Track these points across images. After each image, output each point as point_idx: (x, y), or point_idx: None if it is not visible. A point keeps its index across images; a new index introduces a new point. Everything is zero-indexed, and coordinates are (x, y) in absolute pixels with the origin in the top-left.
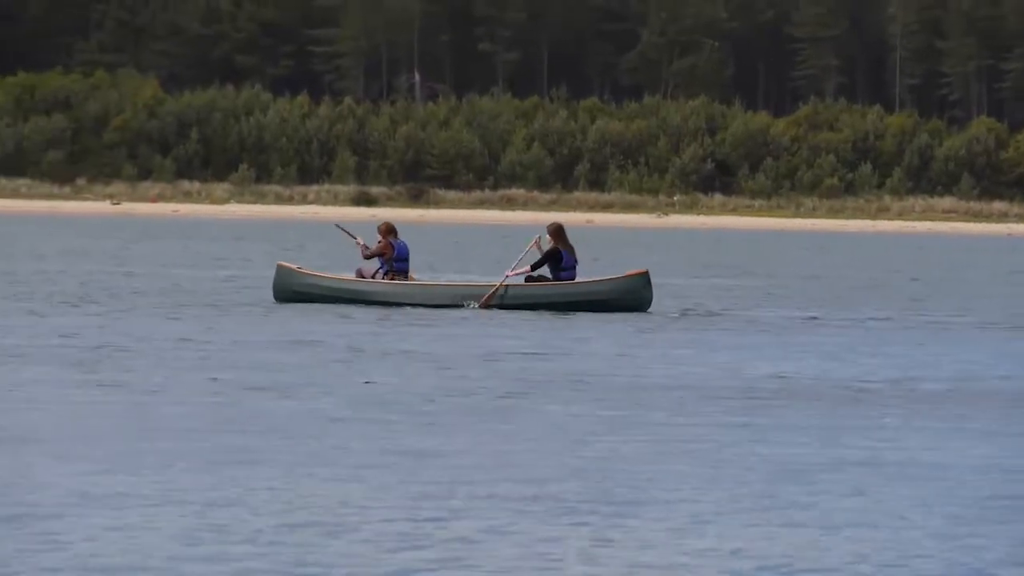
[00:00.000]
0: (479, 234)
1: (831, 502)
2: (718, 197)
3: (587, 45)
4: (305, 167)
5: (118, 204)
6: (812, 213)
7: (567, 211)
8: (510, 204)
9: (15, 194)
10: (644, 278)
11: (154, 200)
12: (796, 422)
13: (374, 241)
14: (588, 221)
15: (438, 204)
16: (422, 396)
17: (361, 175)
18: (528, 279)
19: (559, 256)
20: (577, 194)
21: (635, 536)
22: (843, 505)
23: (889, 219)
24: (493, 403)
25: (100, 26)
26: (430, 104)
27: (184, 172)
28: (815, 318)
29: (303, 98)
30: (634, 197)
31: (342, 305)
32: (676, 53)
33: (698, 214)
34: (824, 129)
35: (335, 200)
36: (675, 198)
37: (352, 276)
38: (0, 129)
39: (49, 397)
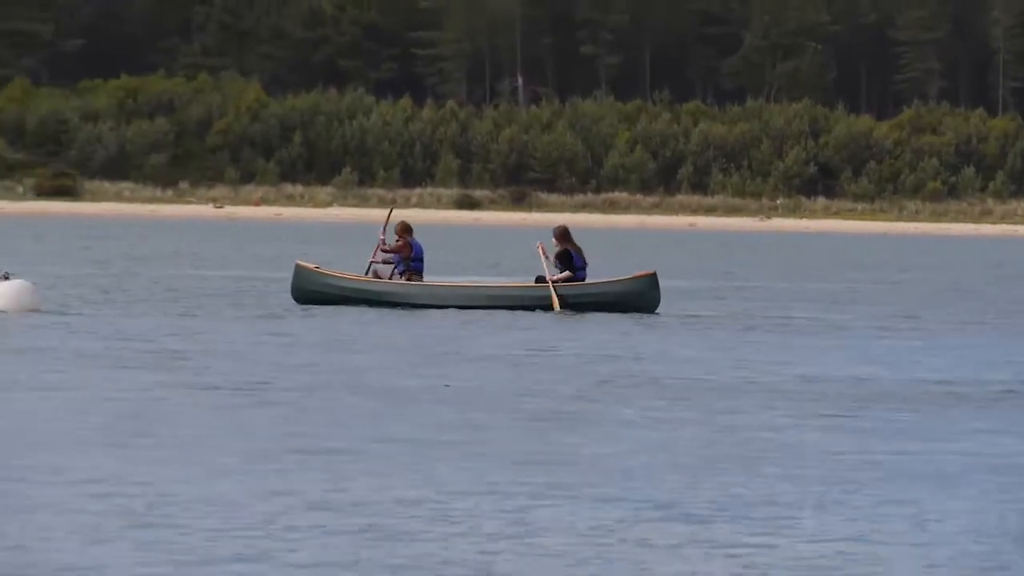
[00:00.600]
0: (580, 238)
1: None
2: (821, 200)
3: (689, 48)
4: (408, 170)
5: (221, 208)
6: (915, 217)
7: (669, 214)
8: (613, 207)
9: (118, 197)
10: (652, 279)
11: (257, 204)
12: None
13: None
14: (691, 224)
15: (540, 207)
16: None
17: (464, 178)
18: (538, 280)
19: (570, 257)
20: (680, 197)
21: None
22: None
23: (992, 223)
24: (595, 406)
25: (203, 29)
26: (533, 107)
27: (287, 175)
28: (909, 319)
29: (406, 101)
30: (737, 200)
31: (365, 307)
32: (779, 56)
33: (800, 217)
34: (927, 132)
35: (438, 203)
36: (778, 201)
37: (368, 277)
38: (103, 132)
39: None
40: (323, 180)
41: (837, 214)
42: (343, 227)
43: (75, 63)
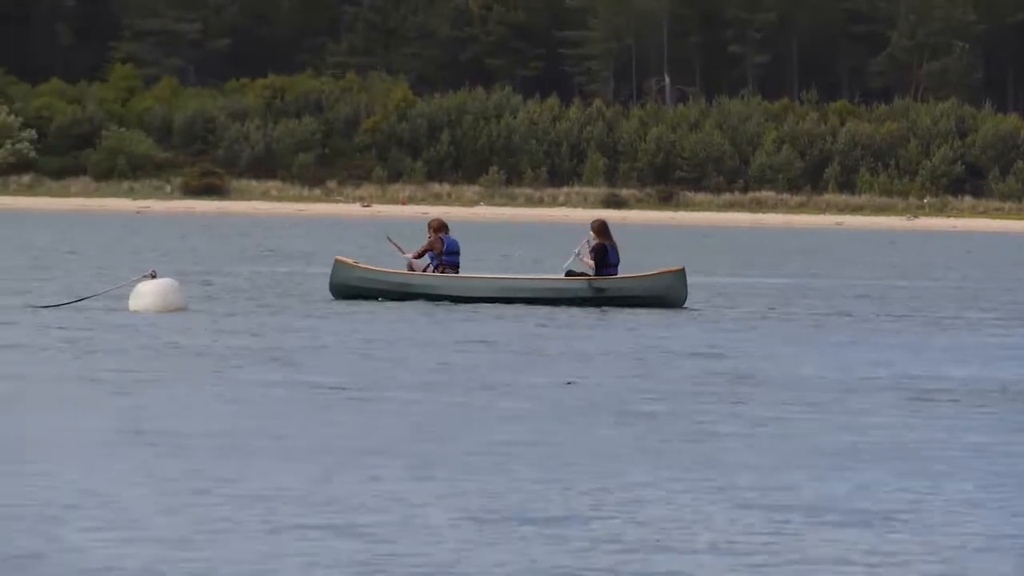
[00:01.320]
0: (728, 237)
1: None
2: (968, 200)
3: (837, 47)
4: (555, 169)
5: (368, 206)
6: None
7: (816, 213)
8: (760, 206)
9: (265, 196)
10: (680, 275)
11: (404, 202)
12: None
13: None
14: (838, 224)
15: (687, 206)
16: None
17: (611, 177)
18: (568, 274)
19: (605, 252)
20: (827, 196)
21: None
22: None
23: None
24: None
25: (351, 29)
26: (680, 106)
27: (434, 174)
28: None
29: (553, 100)
30: (884, 199)
31: (408, 300)
32: (926, 55)
33: (948, 216)
34: None
35: (585, 202)
36: (925, 200)
37: (405, 270)
38: (251, 132)
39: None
40: (470, 179)
41: (984, 213)
42: (489, 226)
43: (223, 62)
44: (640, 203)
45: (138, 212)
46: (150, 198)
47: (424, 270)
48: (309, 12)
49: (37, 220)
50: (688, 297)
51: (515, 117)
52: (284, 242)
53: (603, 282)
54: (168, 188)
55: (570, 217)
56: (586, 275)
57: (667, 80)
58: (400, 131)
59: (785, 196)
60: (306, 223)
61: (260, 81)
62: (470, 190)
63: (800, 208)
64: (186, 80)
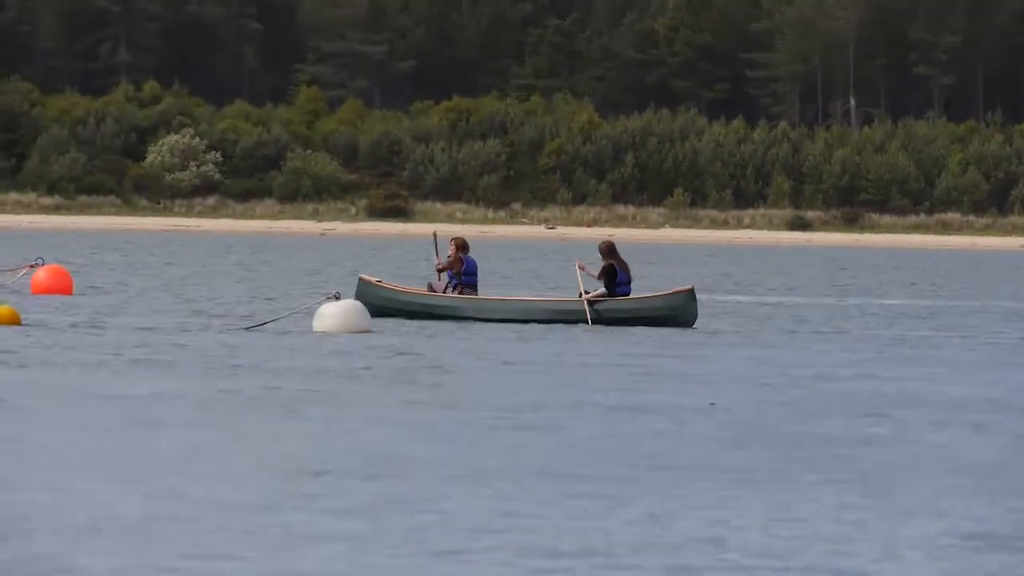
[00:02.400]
0: (912, 259)
1: None
2: None
3: (1022, 68)
4: (740, 191)
5: (553, 228)
6: None
7: (1002, 235)
8: (945, 228)
9: (450, 218)
10: (690, 295)
11: (589, 225)
12: None
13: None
14: (1023, 246)
15: (873, 229)
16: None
17: (796, 199)
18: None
19: (614, 272)
20: (1013, 218)
21: None
22: None
23: None
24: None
25: (536, 51)
26: (865, 128)
27: (619, 196)
28: None
29: (738, 122)
30: None
31: (431, 321)
32: None
33: None
34: None
35: (770, 224)
36: None
37: (424, 291)
38: (436, 154)
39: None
40: (655, 201)
41: None
42: (674, 248)
43: (407, 84)
44: (825, 225)
45: (322, 234)
46: (335, 220)
47: (443, 290)
48: (494, 34)
49: (223, 242)
50: (698, 316)
51: (700, 139)
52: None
53: (616, 303)
54: (353, 210)
55: (755, 240)
56: (601, 296)
57: (852, 102)
58: (585, 153)
59: (971, 218)
60: (492, 245)
61: (445, 103)
62: (655, 212)
63: (986, 230)
64: (371, 102)
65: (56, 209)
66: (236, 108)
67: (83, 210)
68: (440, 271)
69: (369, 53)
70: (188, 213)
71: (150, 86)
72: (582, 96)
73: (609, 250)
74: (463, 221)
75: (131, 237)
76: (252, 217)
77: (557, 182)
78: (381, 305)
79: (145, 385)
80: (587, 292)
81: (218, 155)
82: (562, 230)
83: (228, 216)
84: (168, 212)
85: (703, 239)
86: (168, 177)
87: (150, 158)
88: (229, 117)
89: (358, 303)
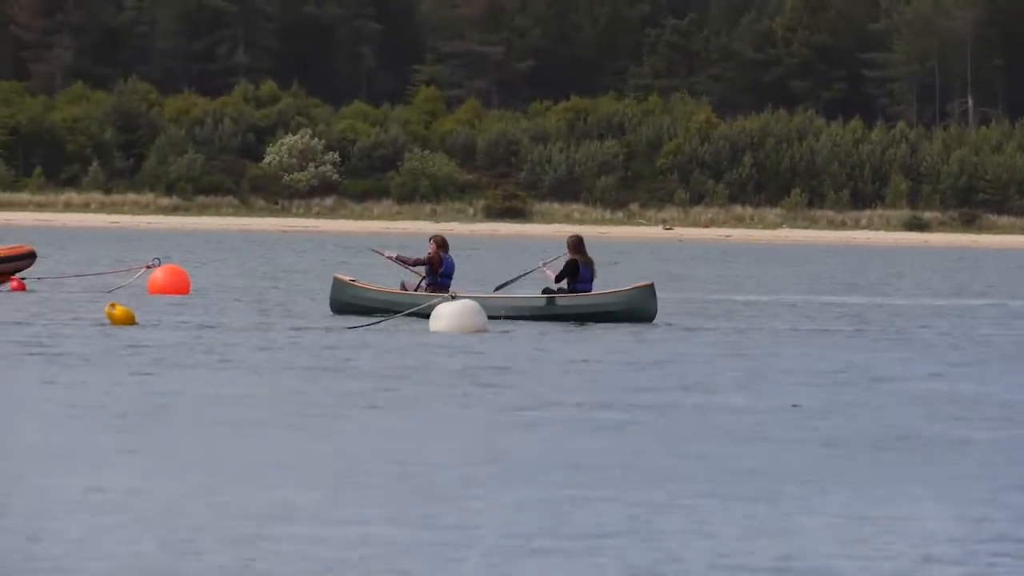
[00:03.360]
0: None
1: None
2: None
3: None
4: (857, 192)
5: (670, 229)
6: None
7: None
8: None
9: (567, 219)
10: (650, 290)
11: (706, 225)
12: None
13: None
14: None
15: (990, 229)
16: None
17: (913, 200)
18: (545, 291)
19: (577, 268)
20: None
21: None
22: None
23: None
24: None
25: (653, 51)
26: (983, 128)
27: (736, 197)
28: None
29: (856, 122)
30: None
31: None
32: None
33: None
34: None
35: (887, 225)
36: None
37: (397, 289)
38: (553, 154)
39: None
40: (772, 201)
41: None
42: (791, 249)
43: (525, 84)
44: (943, 226)
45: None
46: (452, 220)
47: (416, 288)
48: (612, 35)
49: (338, 243)
50: (658, 312)
51: (817, 139)
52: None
53: (578, 298)
54: (471, 211)
55: (872, 240)
56: (562, 292)
57: (970, 102)
58: (702, 153)
59: None
60: (609, 245)
61: (563, 103)
62: (772, 212)
63: None
64: (488, 102)
65: (174, 210)
66: (354, 108)
67: (201, 211)
68: (415, 263)
69: (487, 53)
70: (306, 214)
71: (268, 86)
72: (700, 96)
73: (575, 246)
74: (580, 222)
75: (249, 237)
76: (370, 218)
77: (674, 182)
78: (353, 303)
79: (260, 386)
80: (551, 289)
81: (336, 155)
82: (679, 231)
83: (346, 217)
84: (286, 213)
85: (820, 239)
86: (286, 178)
87: (268, 158)
88: (347, 117)
89: (474, 303)
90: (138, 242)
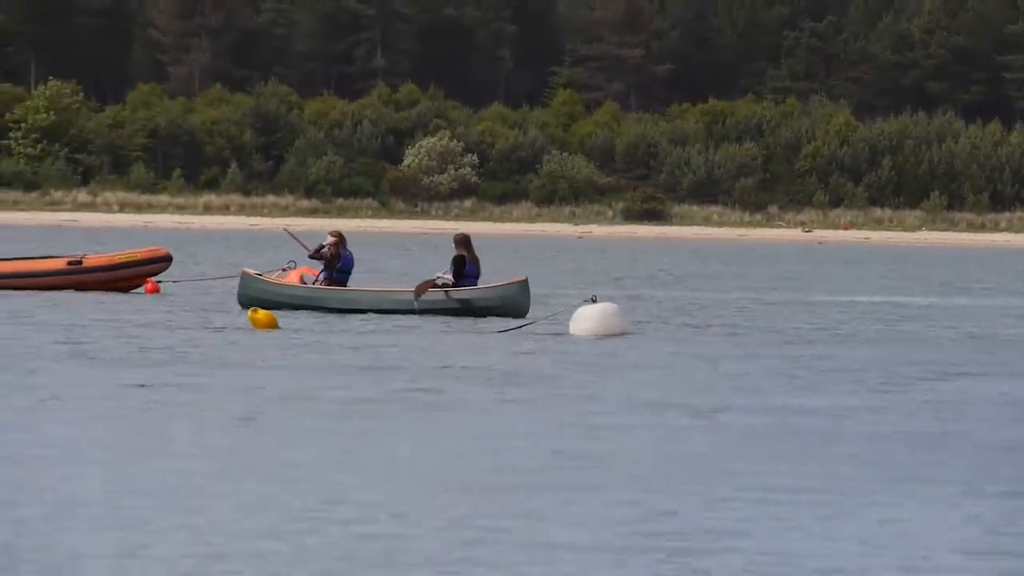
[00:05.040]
0: None
1: None
2: None
3: None
4: (997, 195)
5: (809, 232)
6: None
7: None
8: None
9: (706, 221)
10: (523, 285)
11: (846, 228)
12: None
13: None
14: None
15: None
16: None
17: None
18: (431, 286)
19: (463, 263)
20: None
21: None
22: None
23: None
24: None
25: (792, 54)
26: None
27: (876, 199)
28: None
29: (995, 125)
30: None
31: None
32: None
33: None
34: None
35: None
36: None
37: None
38: (692, 156)
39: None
40: (911, 204)
41: None
42: (931, 251)
43: (663, 87)
44: None
45: (579, 236)
46: (591, 223)
47: (313, 282)
48: (750, 37)
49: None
50: (530, 307)
51: (956, 142)
52: (723, 268)
53: (448, 294)
54: (610, 213)
55: (1012, 243)
56: (444, 287)
57: None
58: (841, 156)
59: None
60: (750, 247)
61: (701, 106)
62: (911, 215)
63: None
64: (627, 105)
65: (313, 212)
66: (492, 111)
67: (340, 213)
68: (315, 256)
69: (625, 56)
70: (445, 216)
71: (407, 88)
72: (838, 99)
73: (461, 242)
74: (719, 224)
75: (387, 239)
76: (509, 220)
77: (813, 185)
78: (258, 297)
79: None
80: (437, 281)
81: (475, 158)
82: (819, 233)
83: (485, 219)
84: (425, 215)
85: (960, 242)
86: (426, 180)
87: (407, 161)
88: (485, 119)
89: (614, 305)
90: (280, 247)
